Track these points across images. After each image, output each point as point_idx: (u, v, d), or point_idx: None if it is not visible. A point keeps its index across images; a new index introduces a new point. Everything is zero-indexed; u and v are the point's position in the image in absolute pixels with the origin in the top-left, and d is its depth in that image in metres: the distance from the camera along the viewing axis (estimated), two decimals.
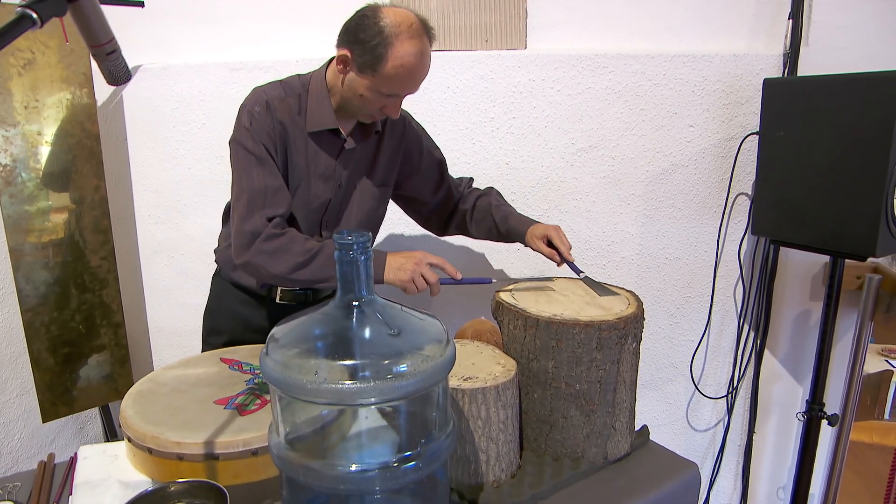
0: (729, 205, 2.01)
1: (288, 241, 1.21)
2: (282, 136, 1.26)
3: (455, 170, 1.84)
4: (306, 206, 1.32)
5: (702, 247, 2.04)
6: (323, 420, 0.87)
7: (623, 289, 1.30)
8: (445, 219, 1.57)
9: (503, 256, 1.95)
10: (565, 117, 1.88)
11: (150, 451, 0.99)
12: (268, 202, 1.23)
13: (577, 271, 1.34)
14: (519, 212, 1.50)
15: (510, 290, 1.29)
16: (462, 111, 1.85)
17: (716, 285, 2.06)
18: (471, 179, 1.61)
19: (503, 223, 1.47)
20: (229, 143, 1.27)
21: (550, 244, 1.36)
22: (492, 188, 1.58)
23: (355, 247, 0.79)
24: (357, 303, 0.81)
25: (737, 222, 2.03)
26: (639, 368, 1.22)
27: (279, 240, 1.21)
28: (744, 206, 2.01)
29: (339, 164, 1.33)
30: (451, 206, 1.55)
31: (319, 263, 1.21)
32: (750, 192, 2.00)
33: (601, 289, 1.28)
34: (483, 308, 1.28)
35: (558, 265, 1.36)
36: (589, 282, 1.31)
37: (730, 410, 2.18)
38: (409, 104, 1.43)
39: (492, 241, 1.54)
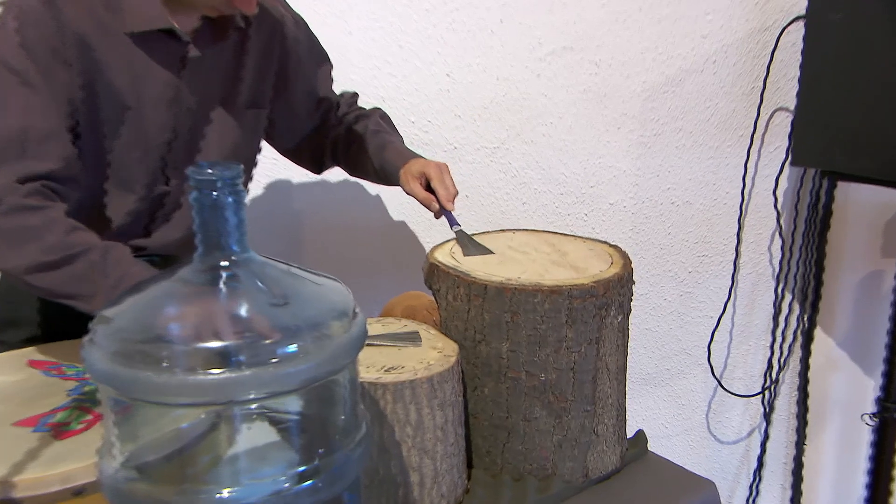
0: (762, 125, 2.08)
1: (42, 222, 1.15)
2: (78, 48, 1.21)
3: (375, 88, 1.84)
4: (143, 144, 1.31)
5: (722, 185, 2.11)
6: (184, 436, 0.88)
7: (605, 243, 1.35)
8: (320, 150, 1.60)
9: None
10: (529, 8, 1.90)
11: None
12: (28, 152, 1.17)
13: (453, 223, 1.39)
14: (407, 144, 1.54)
15: (448, 247, 1.32)
16: (383, 2, 1.85)
17: (742, 239, 2.14)
18: (354, 94, 1.63)
19: (377, 156, 1.50)
20: None
21: (430, 187, 1.41)
22: (377, 108, 1.62)
23: (220, 184, 0.79)
24: (225, 263, 0.82)
25: (772, 149, 2.10)
26: (628, 351, 1.27)
27: (29, 217, 1.15)
28: (782, 125, 2.09)
29: (184, 81, 1.32)
30: (328, 131, 1.59)
31: (76, 271, 1.15)
32: (792, 106, 2.07)
33: (476, 247, 1.32)
34: (420, 277, 1.31)
35: (436, 216, 1.41)
36: (462, 237, 1.36)
37: (768, 414, 2.28)
38: None
39: (371, 182, 1.58)
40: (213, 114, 1.38)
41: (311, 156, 1.62)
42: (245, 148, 1.44)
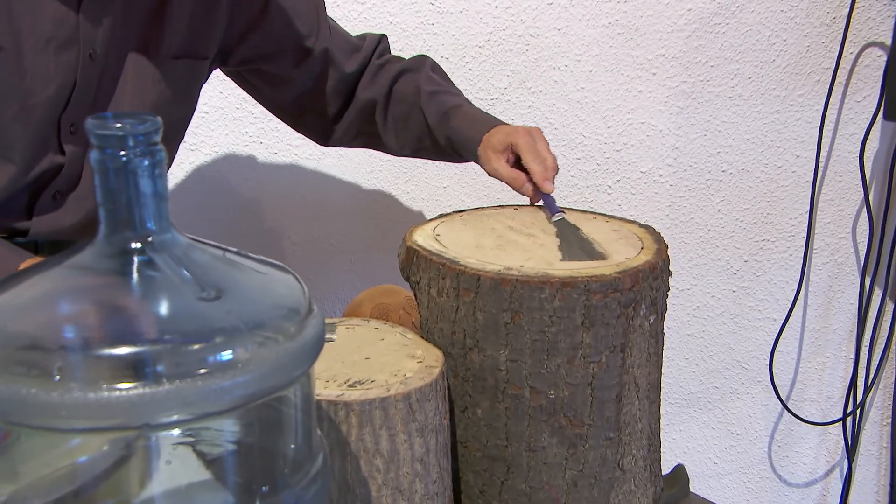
0: (845, 67, 2.09)
1: None
2: None
3: (336, 20, 1.84)
4: (20, 98, 1.28)
5: (790, 148, 2.13)
6: (81, 474, 0.89)
7: (634, 222, 1.37)
8: (331, 115, 1.59)
9: None
10: None
11: None
12: None
13: (554, 210, 1.36)
14: (472, 102, 1.52)
15: (430, 227, 1.34)
16: None
17: (817, 218, 2.16)
18: (381, 38, 1.61)
19: (441, 125, 1.47)
20: None
21: (518, 163, 1.38)
22: (424, 58, 1.58)
23: (130, 141, 0.79)
24: (138, 245, 0.82)
25: (859, 99, 2.12)
26: (664, 363, 1.30)
27: None
28: (873, 67, 2.10)
29: (84, 18, 1.32)
30: (344, 90, 1.57)
31: None
32: (887, 41, 2.07)
33: (583, 247, 1.29)
34: (394, 266, 1.31)
35: (532, 201, 1.39)
36: (566, 231, 1.33)
37: (850, 448, 2.29)
38: None
39: (428, 159, 1.58)
40: (127, 63, 1.37)
41: (316, 123, 1.61)
42: (172, 109, 1.43)
